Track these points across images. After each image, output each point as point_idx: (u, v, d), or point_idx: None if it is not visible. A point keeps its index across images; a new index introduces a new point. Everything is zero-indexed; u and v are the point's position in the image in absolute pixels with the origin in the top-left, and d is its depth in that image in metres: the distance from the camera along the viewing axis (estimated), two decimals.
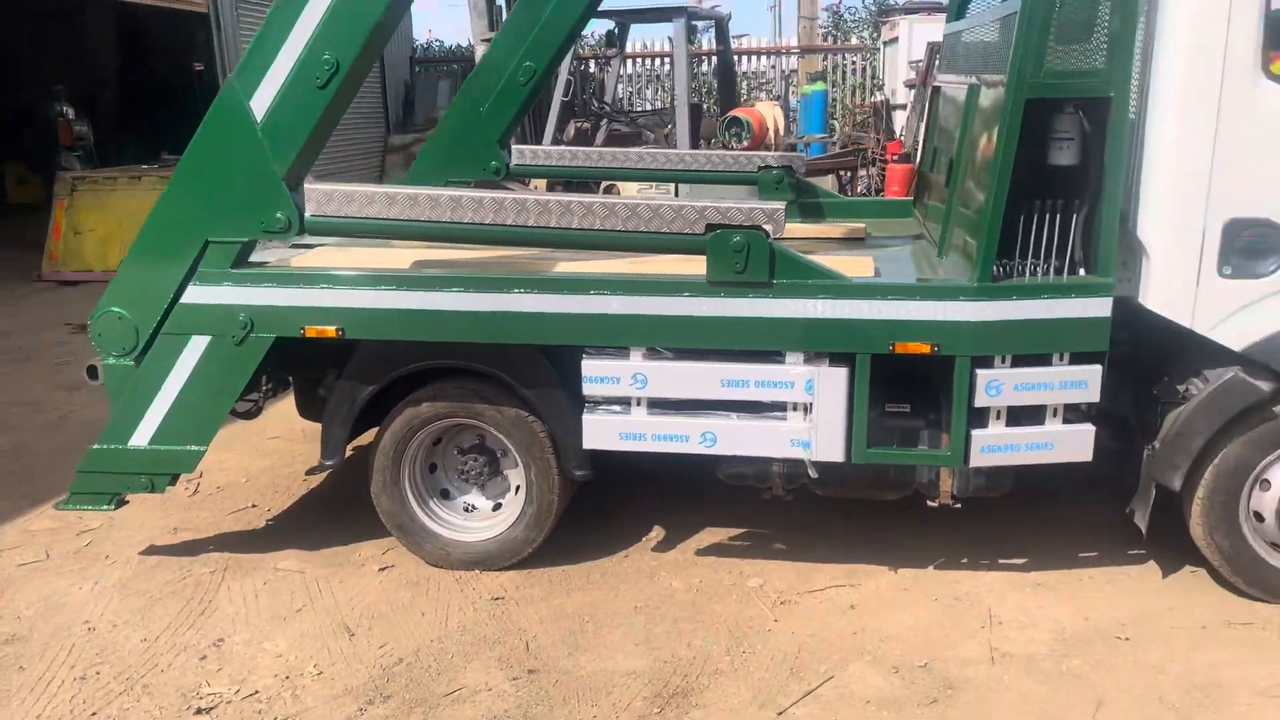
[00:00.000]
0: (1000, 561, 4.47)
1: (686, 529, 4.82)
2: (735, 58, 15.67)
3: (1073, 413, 3.97)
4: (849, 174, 12.48)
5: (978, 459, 3.97)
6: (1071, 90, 3.76)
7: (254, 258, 4.42)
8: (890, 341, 3.88)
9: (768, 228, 3.87)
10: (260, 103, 4.02)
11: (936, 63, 11.47)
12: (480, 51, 11.69)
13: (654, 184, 8.56)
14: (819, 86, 14.55)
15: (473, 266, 4.42)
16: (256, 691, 3.69)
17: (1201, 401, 3.90)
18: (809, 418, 4.01)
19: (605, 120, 11.21)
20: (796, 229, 5.41)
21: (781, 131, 11.88)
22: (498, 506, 4.58)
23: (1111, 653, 3.82)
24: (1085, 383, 3.88)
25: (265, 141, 4.03)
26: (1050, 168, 3.87)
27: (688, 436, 4.11)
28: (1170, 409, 4.01)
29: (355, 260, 4.60)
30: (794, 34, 18.73)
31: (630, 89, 17.85)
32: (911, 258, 4.96)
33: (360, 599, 4.30)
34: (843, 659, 3.82)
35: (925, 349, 3.86)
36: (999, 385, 3.87)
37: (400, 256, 4.57)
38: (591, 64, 16.00)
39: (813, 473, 4.15)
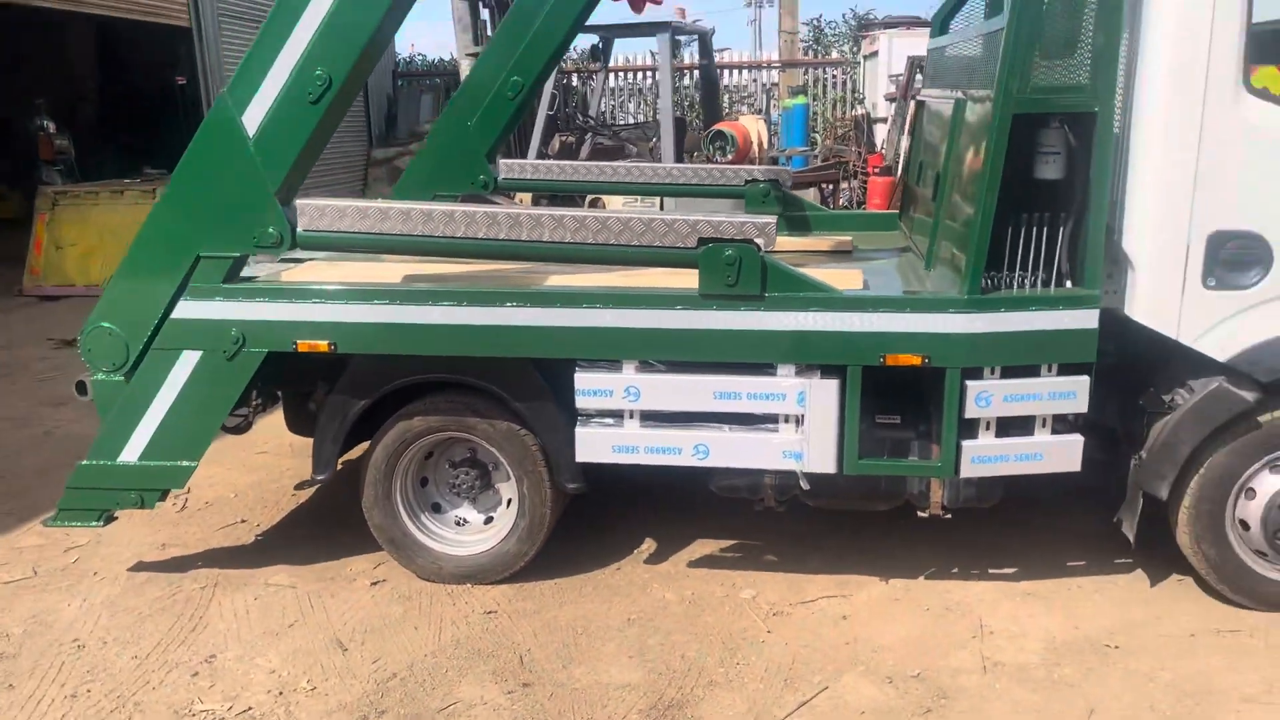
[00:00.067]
0: (990, 571, 4.50)
1: (678, 541, 4.83)
2: (718, 72, 15.76)
3: (1061, 423, 4.01)
4: (831, 187, 12.57)
5: (968, 470, 4.01)
6: (1057, 105, 3.82)
7: (243, 273, 4.41)
8: (881, 353, 3.92)
9: (759, 241, 3.90)
10: (252, 118, 4.03)
11: (917, 77, 11.63)
12: (465, 66, 11.71)
13: (639, 198, 8.61)
14: (800, 100, 14.66)
15: (463, 281, 4.43)
16: (250, 708, 3.68)
17: (1187, 411, 3.95)
18: (801, 429, 4.04)
19: (590, 134, 11.25)
20: (784, 242, 5.43)
21: (765, 145, 11.95)
22: (489, 520, 4.58)
23: (1102, 661, 3.86)
24: (1073, 393, 3.92)
25: (257, 157, 4.04)
26: (1036, 181, 3.93)
27: (680, 449, 4.13)
28: (1156, 419, 4.06)
29: (345, 275, 4.60)
30: (774, 48, 18.87)
31: (613, 103, 17.91)
32: (898, 270, 5.00)
33: (352, 614, 4.29)
34: (836, 669, 3.84)
35: (916, 361, 3.90)
36: (988, 396, 3.91)
37: (390, 271, 4.58)
38: (574, 78, 16.05)
39: (804, 484, 4.17)
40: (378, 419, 4.43)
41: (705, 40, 11.89)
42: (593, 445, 4.18)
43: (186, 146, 4.19)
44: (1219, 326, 3.85)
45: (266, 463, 6.00)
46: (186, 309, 4.18)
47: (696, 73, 16.83)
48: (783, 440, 4.06)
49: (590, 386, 4.11)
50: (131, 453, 4.30)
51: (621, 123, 15.22)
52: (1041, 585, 4.38)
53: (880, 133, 14.14)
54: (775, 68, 18.31)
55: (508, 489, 4.49)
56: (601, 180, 6.61)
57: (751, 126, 11.20)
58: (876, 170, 12.00)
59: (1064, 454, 4.01)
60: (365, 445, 4.59)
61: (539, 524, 4.40)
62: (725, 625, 4.15)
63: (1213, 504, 4.04)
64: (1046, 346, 3.89)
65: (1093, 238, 3.83)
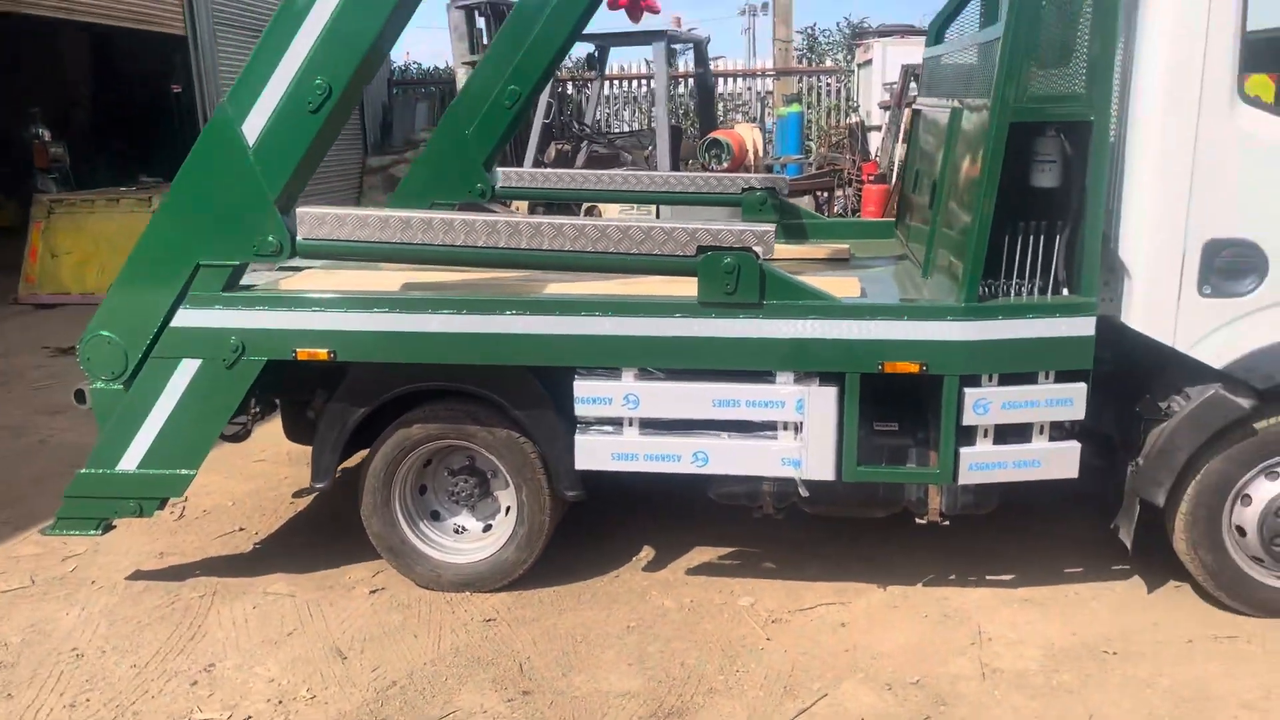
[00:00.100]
0: (988, 578, 4.51)
1: (677, 548, 4.84)
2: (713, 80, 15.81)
3: (1058, 430, 4.03)
4: (825, 194, 12.62)
5: (966, 476, 4.02)
6: (1053, 114, 3.84)
7: (240, 281, 4.42)
8: (879, 361, 3.93)
9: (758, 249, 3.92)
10: (252, 127, 4.03)
11: (912, 85, 11.69)
12: (461, 74, 11.78)
13: (634, 206, 8.64)
14: (795, 108, 14.74)
15: (461, 289, 4.44)
16: (249, 717, 3.67)
17: (1183, 418, 3.97)
18: (799, 437, 4.05)
19: (585, 142, 11.28)
20: (781, 250, 5.45)
21: (761, 153, 12.00)
22: (488, 528, 4.58)
23: (1100, 667, 3.87)
24: (1071, 400, 3.94)
25: (257, 165, 4.04)
26: (1033, 189, 3.95)
27: (679, 456, 4.14)
28: (1153, 426, 4.08)
29: (343, 283, 4.61)
30: (769, 56, 18.92)
31: (607, 111, 17.95)
32: (895, 278, 5.02)
33: (352, 622, 4.29)
34: (836, 677, 3.85)
35: (914, 368, 3.92)
36: (986, 404, 3.92)
37: (388, 279, 4.59)
38: (569, 86, 16.09)
39: (803, 491, 4.18)
40: (376, 427, 4.43)
41: (700, 49, 11.92)
42: (592, 453, 4.19)
43: (182, 154, 4.20)
44: (1215, 334, 3.88)
45: (264, 471, 6.00)
46: (186, 317, 4.18)
47: (691, 81, 16.91)
48: (781, 447, 4.07)
49: (589, 394, 4.12)
50: (130, 461, 4.30)
51: (616, 131, 15.27)
52: (1039, 592, 4.39)
53: (875, 140, 14.21)
54: (770, 76, 18.37)
55: (506, 497, 4.50)
56: (599, 188, 6.65)
57: (747, 135, 11.25)
58: (871, 178, 12.04)
59: (1061, 461, 4.03)
60: (362, 453, 4.60)
61: (538, 532, 4.41)
62: (724, 633, 4.16)
63: (1209, 510, 4.05)
64: (1044, 354, 3.90)
65: (1089, 245, 3.85)
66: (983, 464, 4.02)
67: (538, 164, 10.60)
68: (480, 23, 12.13)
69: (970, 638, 4.08)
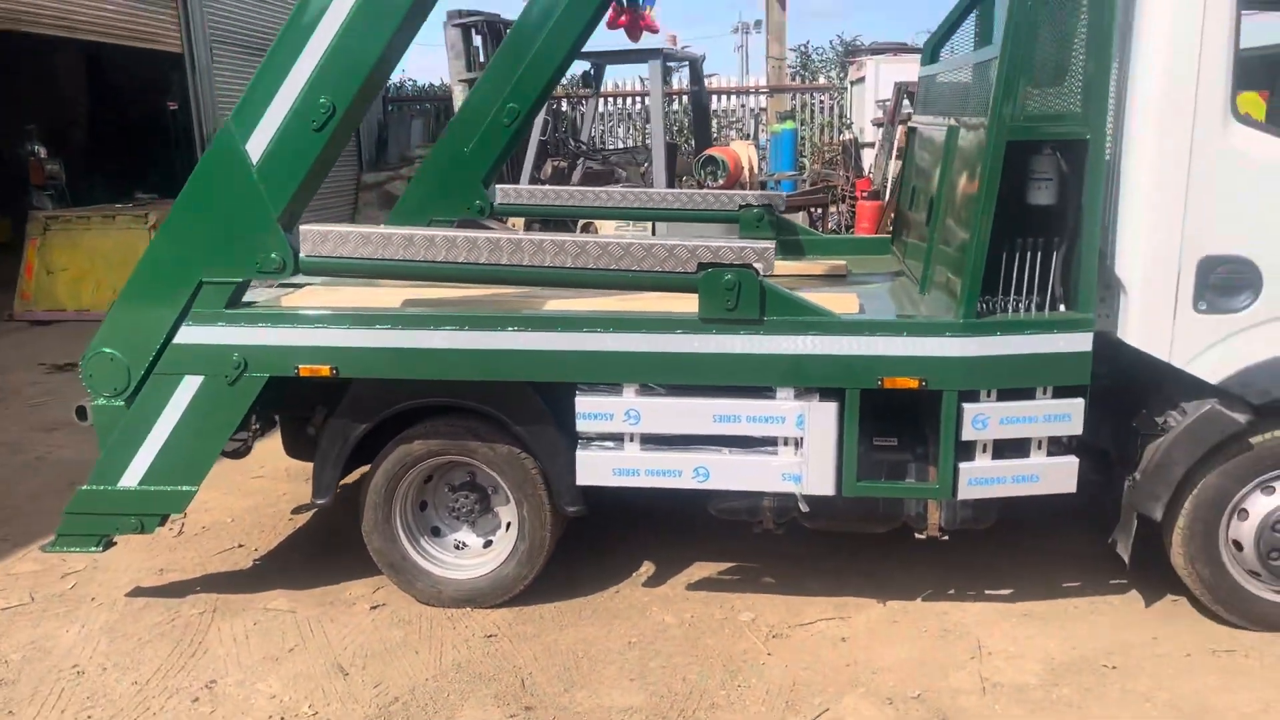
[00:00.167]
0: (987, 592, 4.54)
1: (677, 563, 4.85)
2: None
3: (1056, 445, 4.06)
4: (819, 211, 12.69)
5: (965, 491, 4.05)
6: (1050, 132, 3.89)
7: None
8: (879, 377, 3.96)
9: (758, 266, 3.95)
10: (256, 145, 4.06)
11: (904, 102, 11.77)
12: (458, 91, 11.83)
13: (630, 222, 8.68)
14: (788, 125, 14.80)
15: (461, 305, 4.46)
16: None
17: (1180, 433, 4.00)
18: (800, 452, 4.07)
19: (581, 159, 11.33)
20: (779, 266, 5.44)
21: (756, 170, 12.06)
22: (488, 544, 4.59)
23: (1100, 681, 3.89)
24: (1068, 415, 3.97)
25: (261, 184, 4.07)
26: (1030, 207, 3.99)
27: (680, 471, 4.16)
28: (1150, 440, 4.11)
29: (344, 299, 4.63)
30: (761, 73, 19.05)
31: (602, 128, 18.03)
32: (893, 295, 5.06)
33: (353, 638, 4.29)
34: (837, 691, 3.86)
35: (913, 384, 3.95)
36: (985, 419, 3.95)
37: (389, 296, 4.61)
38: (564, 103, 16.16)
39: (803, 506, 4.20)
40: (377, 443, 4.45)
41: (696, 67, 12.01)
42: (593, 468, 4.21)
43: (178, 172, 4.24)
44: (1210, 349, 3.91)
45: (263, 487, 6.00)
46: (189, 334, 4.19)
47: (686, 98, 17.01)
48: (782, 463, 4.09)
49: (591, 410, 4.14)
50: (132, 478, 4.31)
51: (611, 147, 15.34)
52: (1038, 606, 4.41)
53: (868, 157, 14.29)
54: (763, 93, 18.48)
55: (507, 512, 4.51)
56: (597, 205, 6.68)
57: (742, 152, 11.32)
58: (865, 194, 12.12)
59: (1060, 475, 4.06)
60: (362, 470, 4.61)
61: (539, 547, 4.42)
62: (725, 648, 4.17)
63: (1206, 525, 4.08)
64: (1042, 369, 3.94)
65: (1086, 262, 3.89)
66: (982, 479, 4.05)
67: (534, 181, 10.64)
68: (477, 40, 12.20)
69: (970, 652, 4.10)
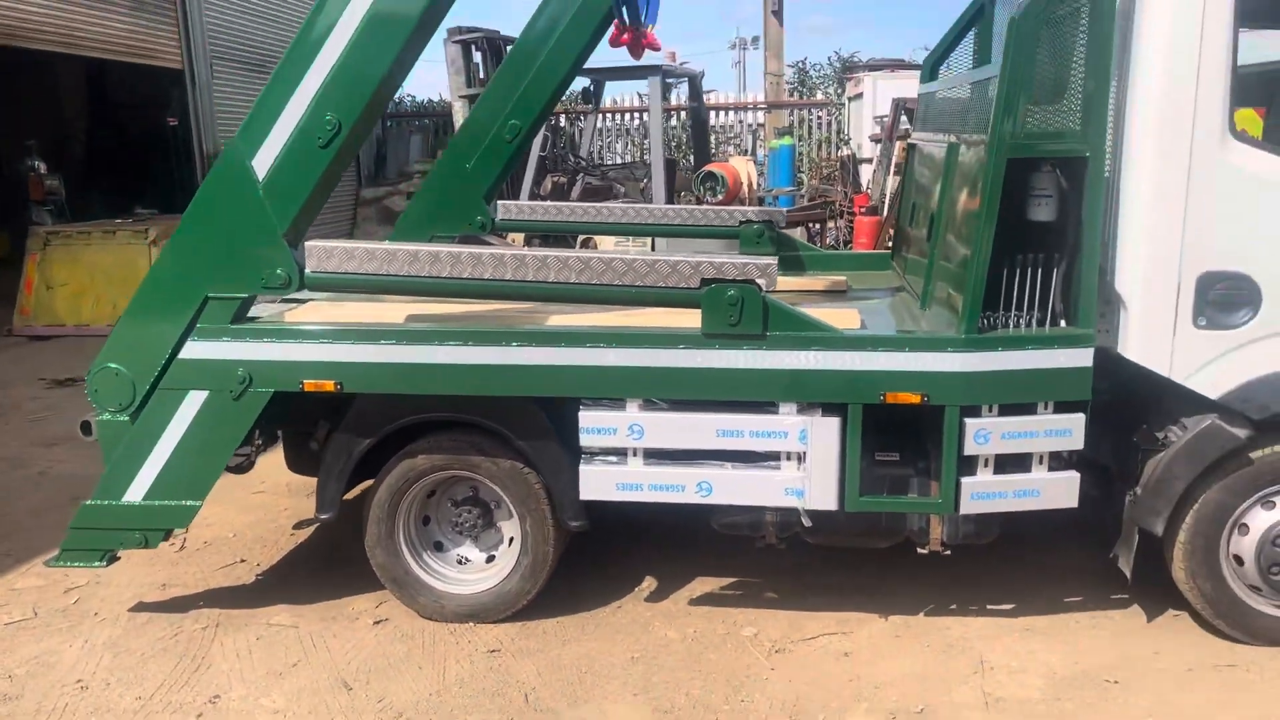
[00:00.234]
0: (989, 607, 4.55)
1: (678, 578, 4.86)
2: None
3: (1057, 460, 4.08)
4: (818, 226, 12.74)
5: (967, 506, 4.07)
6: (1049, 150, 3.93)
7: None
8: (881, 392, 3.99)
9: (761, 282, 3.98)
10: (262, 162, 4.09)
11: (902, 118, 11.84)
12: (458, 107, 11.87)
13: (630, 238, 8.71)
14: (786, 141, 14.87)
15: (465, 321, 4.49)
16: None
17: (1180, 448, 4.02)
18: (803, 467, 4.09)
19: (581, 175, 11.37)
20: (779, 282, 5.50)
21: (755, 186, 12.11)
22: (491, 559, 4.60)
23: (1102, 696, 3.90)
24: (1069, 431, 3.99)
25: (267, 200, 4.10)
26: (1030, 223, 4.02)
27: (684, 486, 4.17)
28: (1150, 455, 4.13)
29: (347, 315, 4.65)
30: (759, 89, 19.14)
31: (600, 143, 18.10)
32: (893, 310, 5.09)
33: (356, 653, 4.29)
34: (840, 706, 3.87)
35: (915, 399, 3.97)
36: (987, 434, 3.98)
37: (392, 311, 4.63)
38: (563, 119, 16.23)
39: (806, 521, 4.22)
40: (381, 458, 4.46)
41: (695, 83, 12.07)
42: (597, 483, 4.22)
43: (178, 187, 4.28)
44: (1210, 365, 3.94)
45: (264, 502, 6.00)
46: (194, 349, 4.21)
47: (684, 114, 17.08)
48: (785, 478, 4.11)
49: (594, 424, 4.16)
50: (136, 492, 4.31)
51: (609, 163, 15.39)
52: (1040, 621, 4.42)
53: (866, 173, 14.36)
54: (761, 109, 18.57)
55: (510, 527, 4.52)
56: (598, 221, 6.72)
57: (741, 168, 11.36)
58: (863, 210, 12.17)
59: (1061, 490, 4.08)
60: (364, 484, 4.62)
61: (541, 562, 4.43)
62: (728, 663, 4.18)
63: (1207, 539, 4.10)
64: (1043, 385, 3.96)
65: (1086, 278, 3.92)
66: (984, 493, 4.06)
67: (534, 196, 10.68)
68: (477, 57, 12.26)
69: (973, 667, 4.11)
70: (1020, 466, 4.07)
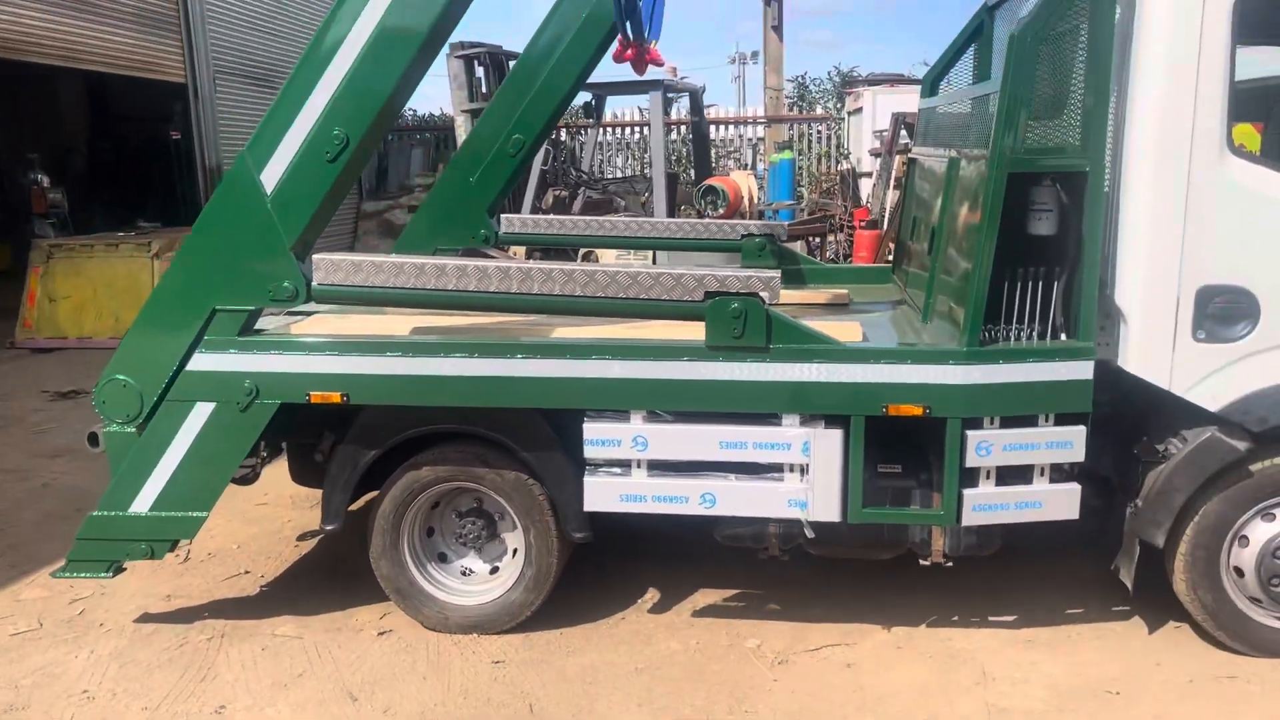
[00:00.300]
0: (991, 619, 4.57)
1: (682, 590, 4.88)
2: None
3: (1059, 472, 4.11)
4: (818, 240, 12.79)
5: (969, 518, 4.09)
6: (1049, 165, 3.97)
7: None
8: (883, 404, 4.01)
9: (764, 295, 4.02)
10: (270, 176, 4.13)
11: (902, 132, 11.91)
12: (460, 121, 11.94)
13: (631, 251, 8.76)
14: (786, 155, 14.95)
15: (468, 333, 4.52)
16: None
17: (1181, 460, 4.05)
18: (805, 478, 4.11)
19: (582, 189, 11.43)
20: (782, 295, 5.54)
21: (756, 200, 12.16)
22: (495, 570, 4.62)
23: (1104, 707, 3.91)
24: (1070, 443, 4.02)
25: (274, 213, 4.13)
26: (1030, 237, 4.06)
27: (687, 498, 4.20)
28: (1151, 467, 4.16)
29: (352, 327, 4.68)
30: (758, 104, 19.21)
31: (600, 157, 18.17)
32: (895, 323, 5.12)
33: (361, 663, 4.31)
34: (844, 717, 3.89)
35: (918, 411, 4.00)
36: (988, 446, 4.00)
37: (396, 323, 4.67)
38: (563, 133, 16.31)
39: (809, 533, 4.24)
40: (386, 469, 4.48)
41: (696, 98, 12.13)
42: (601, 494, 4.25)
43: (180, 200, 4.31)
44: (1210, 378, 3.97)
45: (268, 514, 6.02)
46: (201, 361, 4.24)
47: (685, 128, 17.15)
48: (788, 489, 4.14)
49: (599, 436, 4.18)
50: (143, 504, 4.34)
51: (609, 177, 15.46)
52: (1042, 632, 4.44)
53: (865, 187, 14.42)
54: (761, 123, 18.65)
55: (514, 539, 4.54)
56: (600, 234, 6.76)
57: (742, 182, 11.41)
58: (863, 224, 12.22)
59: (1062, 502, 4.10)
60: (367, 496, 4.64)
61: (545, 573, 4.45)
62: (732, 674, 4.19)
63: (1208, 551, 4.13)
64: (1044, 397, 3.99)
65: (1086, 292, 3.96)
66: (985, 505, 4.09)
67: (535, 210, 10.73)
68: (479, 71, 12.33)
69: (975, 678, 4.13)
70: (1022, 478, 4.10)
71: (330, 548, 5.47)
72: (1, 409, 8.80)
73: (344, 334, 4.49)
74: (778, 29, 17.67)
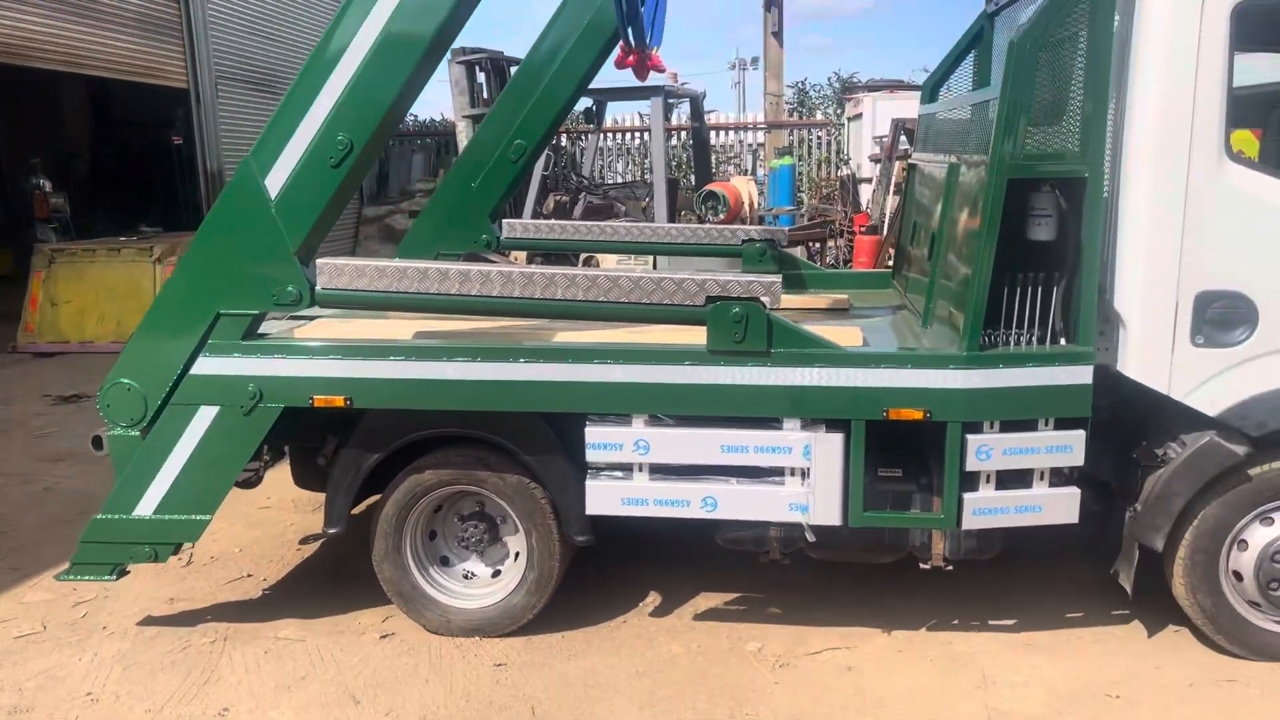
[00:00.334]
0: (991, 622, 4.58)
1: (683, 593, 4.89)
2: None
3: (1058, 476, 4.13)
4: (818, 245, 12.81)
5: (969, 521, 4.11)
6: (1049, 170, 4.00)
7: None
8: (884, 408, 4.04)
9: (765, 299, 4.04)
10: (275, 181, 4.15)
11: (902, 138, 11.94)
12: (462, 127, 11.97)
13: (631, 256, 8.78)
14: (786, 161, 14.99)
15: (472, 337, 4.54)
16: None
17: (1180, 465, 4.07)
18: (807, 482, 4.14)
19: (583, 194, 11.47)
20: (783, 300, 5.57)
21: (756, 206, 12.20)
22: (497, 573, 4.63)
23: (1104, 711, 3.93)
24: (1070, 447, 4.04)
25: (279, 218, 4.16)
26: (1030, 242, 4.08)
27: (689, 501, 4.22)
28: (1150, 472, 4.18)
29: (354, 331, 4.71)
30: (758, 109, 19.26)
31: (601, 163, 18.21)
32: (895, 328, 5.14)
33: (363, 666, 4.32)
34: None
35: (918, 415, 4.02)
36: (988, 450, 4.02)
37: (399, 327, 4.69)
38: (564, 139, 16.34)
39: (810, 536, 4.26)
40: (389, 472, 4.50)
41: (696, 103, 12.18)
42: (603, 498, 4.27)
43: (182, 205, 4.34)
44: (1208, 382, 3.99)
45: (270, 517, 6.04)
46: (205, 365, 4.27)
47: (685, 134, 17.21)
48: (789, 493, 4.16)
49: (601, 440, 4.21)
50: (147, 507, 4.36)
51: (610, 182, 15.50)
52: (1042, 636, 4.46)
53: (865, 192, 14.45)
54: (761, 129, 18.69)
55: (516, 542, 4.56)
56: (601, 239, 6.78)
57: (743, 187, 11.45)
58: (862, 229, 12.26)
59: (1062, 506, 4.12)
60: (369, 500, 4.66)
61: (547, 577, 4.47)
62: (733, 677, 4.21)
63: (1207, 555, 4.14)
64: (1043, 401, 4.02)
65: (1085, 297, 3.98)
66: (985, 509, 4.11)
67: (536, 215, 10.77)
68: (481, 77, 12.37)
69: (976, 681, 4.14)
70: (1021, 482, 4.12)
71: (332, 551, 5.49)
72: (4, 413, 8.83)
73: (347, 338, 4.51)
74: (778, 35, 17.74)
